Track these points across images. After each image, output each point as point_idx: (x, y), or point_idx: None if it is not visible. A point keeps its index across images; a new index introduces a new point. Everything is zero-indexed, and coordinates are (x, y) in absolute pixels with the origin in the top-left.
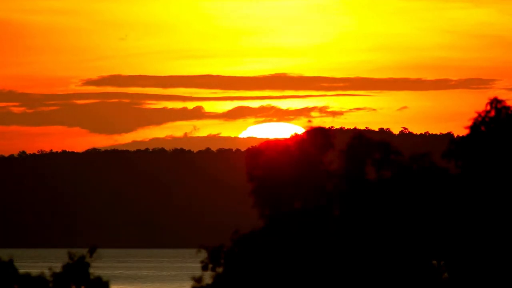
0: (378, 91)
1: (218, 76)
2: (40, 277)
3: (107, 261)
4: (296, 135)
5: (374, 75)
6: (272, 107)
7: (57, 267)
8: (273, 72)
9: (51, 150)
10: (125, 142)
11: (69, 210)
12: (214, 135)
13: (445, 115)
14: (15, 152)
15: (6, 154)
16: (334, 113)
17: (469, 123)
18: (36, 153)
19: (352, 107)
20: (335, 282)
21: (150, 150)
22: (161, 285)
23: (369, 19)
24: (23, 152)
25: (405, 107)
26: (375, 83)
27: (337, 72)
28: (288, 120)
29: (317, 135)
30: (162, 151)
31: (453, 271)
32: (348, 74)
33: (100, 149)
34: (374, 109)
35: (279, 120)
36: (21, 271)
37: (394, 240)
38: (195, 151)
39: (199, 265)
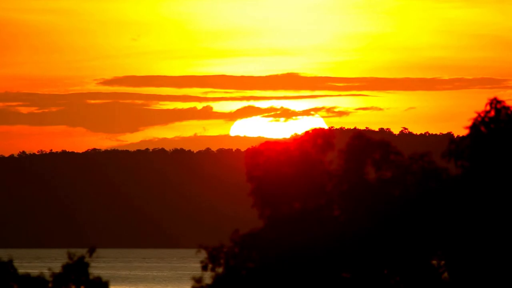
0: (393, 91)
1: (230, 76)
2: (40, 277)
3: (107, 261)
4: (296, 135)
5: (386, 75)
6: (281, 107)
7: (57, 267)
8: (284, 72)
9: (51, 150)
10: (131, 142)
11: (69, 210)
12: (224, 135)
13: (455, 115)
14: (15, 152)
15: (6, 154)
16: (341, 113)
17: (469, 123)
18: (36, 153)
19: (361, 107)
20: (335, 282)
21: (150, 150)
22: (161, 285)
23: (379, 19)
24: (23, 152)
25: (412, 108)
26: (387, 83)
27: (348, 72)
28: (295, 120)
29: (317, 135)
30: (162, 151)
31: (453, 271)
32: (359, 74)
33: (100, 149)
34: (381, 109)
35: (287, 120)
36: (21, 271)
37: (394, 240)
38: (195, 151)
39: (199, 265)
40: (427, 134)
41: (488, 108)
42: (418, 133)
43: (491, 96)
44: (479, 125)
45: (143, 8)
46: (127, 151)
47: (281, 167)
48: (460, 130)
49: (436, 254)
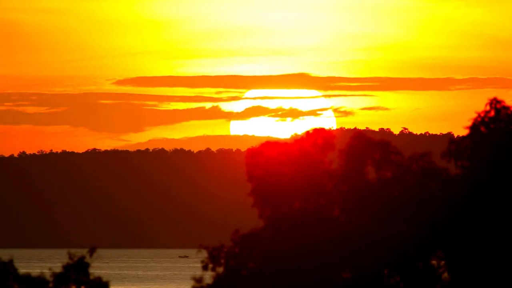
0: (403, 90)
1: (242, 76)
2: (40, 277)
3: (107, 261)
4: (296, 135)
5: (396, 75)
6: (290, 107)
7: (57, 267)
8: (295, 72)
9: (51, 150)
10: (138, 142)
11: (69, 210)
12: (231, 135)
13: (457, 114)
14: (16, 152)
15: (6, 154)
16: (346, 113)
17: (469, 123)
18: (36, 153)
19: (369, 107)
20: (335, 282)
21: (150, 150)
22: (161, 285)
23: (385, 19)
24: (23, 152)
25: (418, 108)
26: (397, 83)
27: (359, 72)
28: (302, 119)
29: (317, 135)
30: (162, 151)
31: (453, 271)
32: (370, 74)
33: (100, 150)
34: (387, 109)
35: (293, 119)
36: (21, 271)
37: (394, 240)
38: (195, 151)
39: (199, 265)
40: (427, 134)
41: (488, 108)
42: (418, 133)
43: (502, 96)
44: (479, 125)
45: (153, 8)
46: (127, 151)
47: (281, 167)
48: (460, 130)
49: (436, 254)
